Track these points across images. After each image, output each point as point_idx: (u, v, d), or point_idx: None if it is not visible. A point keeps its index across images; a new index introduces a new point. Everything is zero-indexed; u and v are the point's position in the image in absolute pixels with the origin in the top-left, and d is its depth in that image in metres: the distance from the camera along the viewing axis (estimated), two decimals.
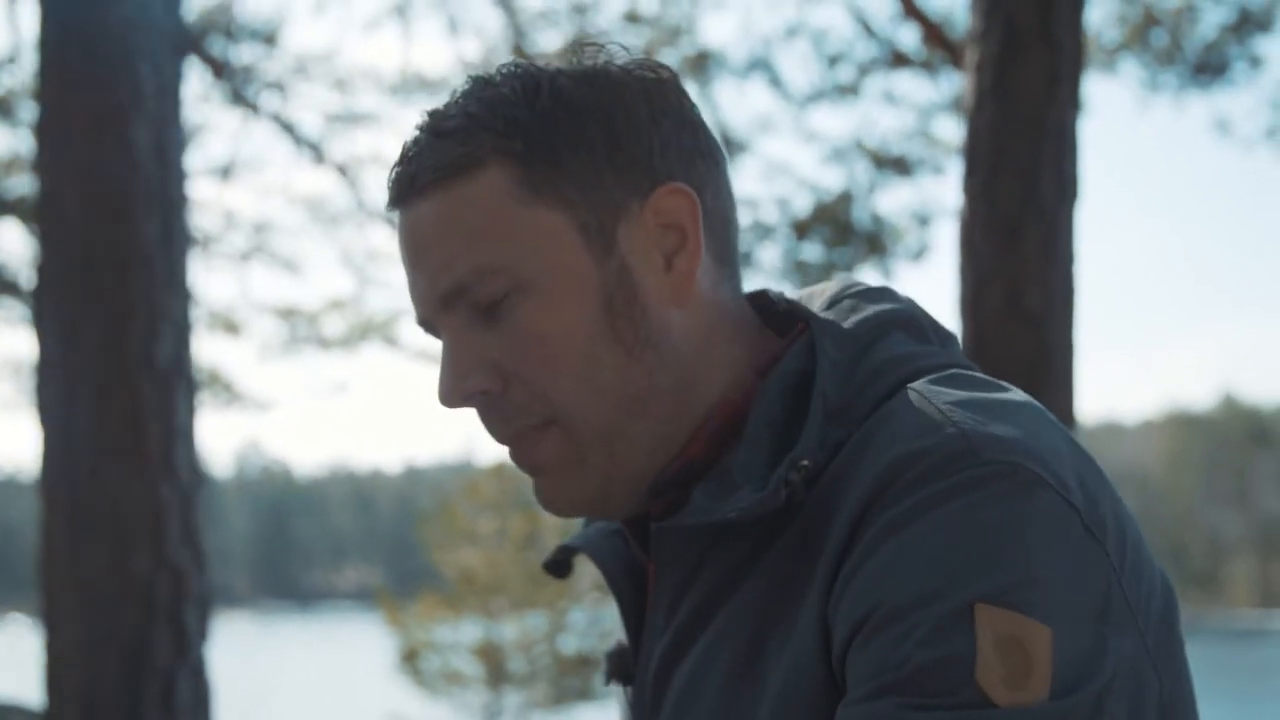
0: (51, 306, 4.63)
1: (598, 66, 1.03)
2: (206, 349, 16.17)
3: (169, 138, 4.71)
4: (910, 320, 1.04)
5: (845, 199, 11.02)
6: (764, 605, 0.96)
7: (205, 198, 12.22)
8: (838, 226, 10.96)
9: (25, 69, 9.54)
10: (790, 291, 1.12)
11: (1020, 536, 0.86)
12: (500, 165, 0.99)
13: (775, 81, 10.77)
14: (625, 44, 1.06)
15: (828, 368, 0.98)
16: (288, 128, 10.48)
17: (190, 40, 8.96)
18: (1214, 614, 59.07)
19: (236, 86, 10.11)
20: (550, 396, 1.00)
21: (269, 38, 10.35)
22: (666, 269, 1.01)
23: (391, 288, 14.69)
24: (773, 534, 0.96)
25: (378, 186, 15.78)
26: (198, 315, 4.40)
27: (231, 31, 10.14)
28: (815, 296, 1.09)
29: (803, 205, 11.07)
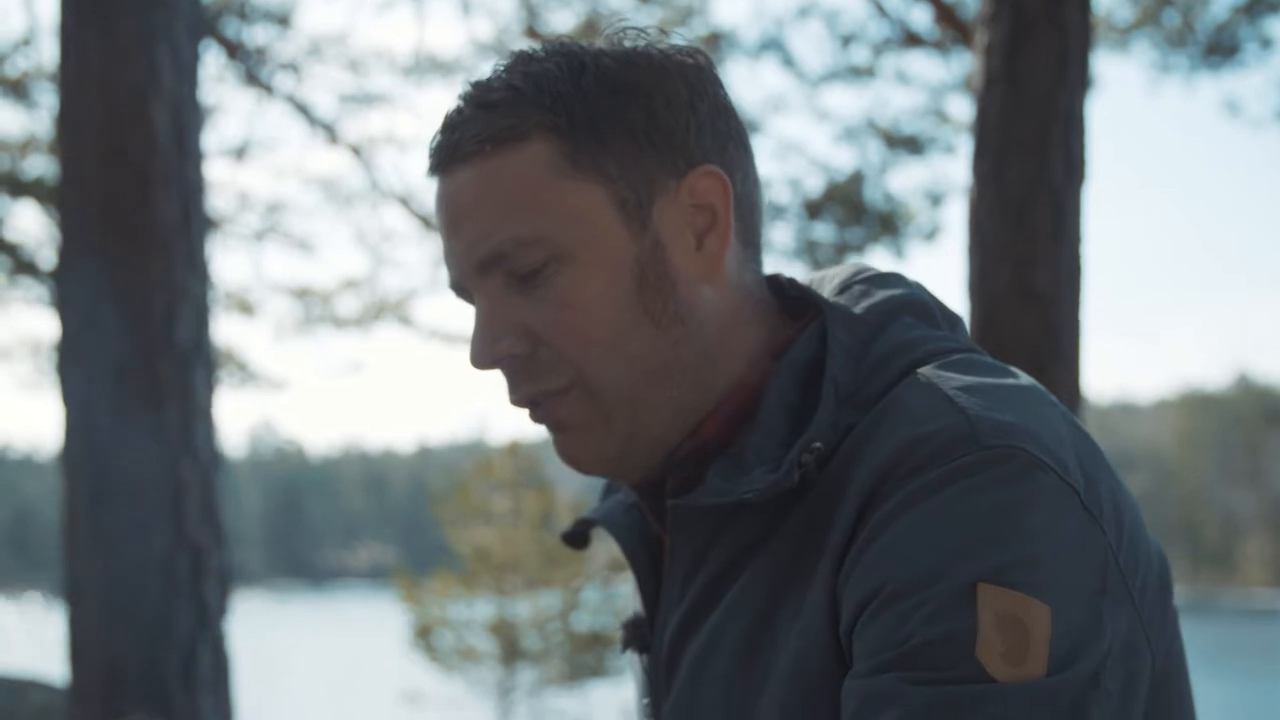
0: (72, 288, 4.66)
1: (639, 49, 1.06)
2: (221, 329, 16.24)
3: (187, 120, 4.73)
4: (919, 305, 1.08)
5: (857, 179, 11.01)
6: (775, 581, 0.99)
7: (220, 178, 12.29)
8: (850, 206, 10.96)
9: (42, 51, 9.58)
10: (801, 276, 1.16)
11: (1020, 518, 0.89)
12: (544, 139, 1.02)
13: (788, 61, 10.77)
14: (655, 26, 1.10)
15: (839, 354, 1.02)
16: (302, 108, 10.52)
17: (207, 22, 9.00)
18: (1228, 593, 58.85)
19: (251, 68, 10.15)
20: (579, 362, 1.03)
21: (283, 19, 10.38)
22: (697, 248, 1.05)
23: (405, 267, 14.75)
24: (784, 513, 1.00)
25: (391, 167, 15.80)
26: (214, 296, 4.46)
27: (246, 13, 10.16)
28: (826, 281, 1.13)
29: (815, 185, 11.08)
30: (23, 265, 10.53)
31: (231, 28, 10.03)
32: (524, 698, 22.73)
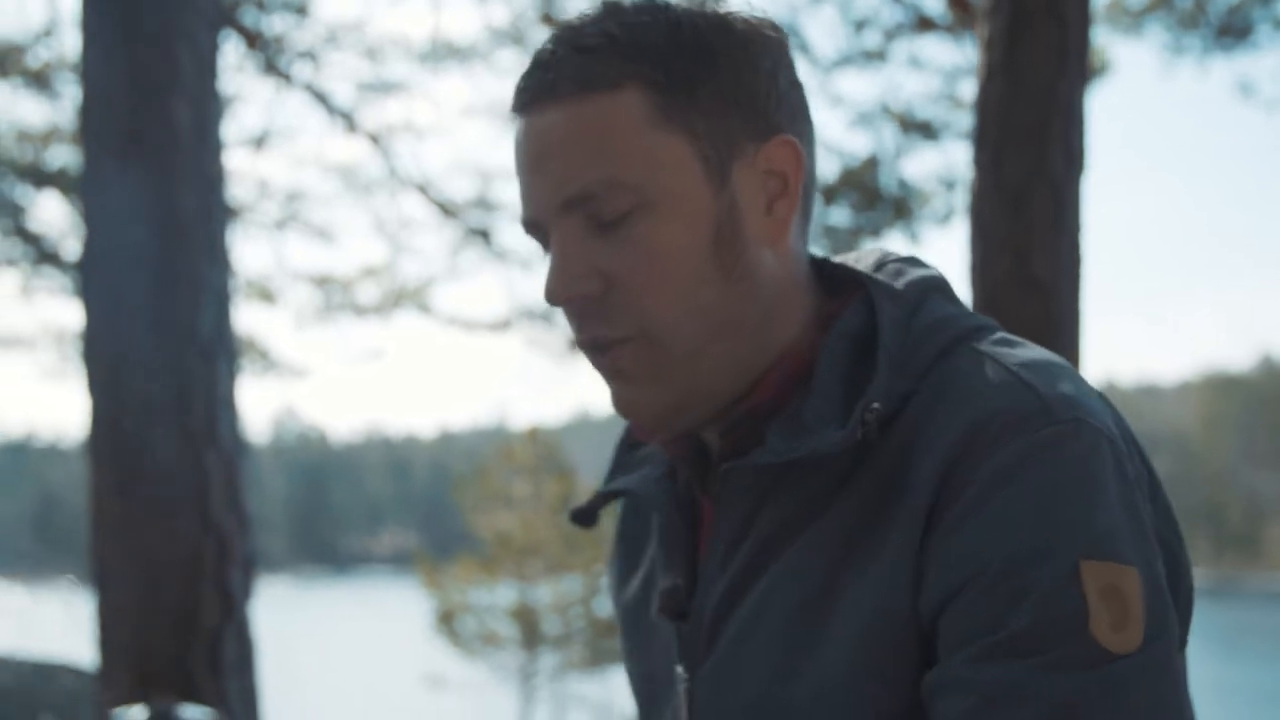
0: (97, 279, 4.71)
1: (729, 15, 1.09)
2: (243, 317, 16.34)
3: (208, 111, 4.77)
4: (945, 285, 1.13)
5: (872, 163, 11.01)
6: (836, 547, 1.02)
7: (239, 167, 12.35)
8: (865, 191, 10.97)
9: (64, 42, 9.66)
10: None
11: (1100, 488, 0.94)
12: (638, 89, 1.04)
13: (802, 47, 10.75)
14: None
15: (888, 324, 1.06)
16: (320, 97, 10.56)
17: (225, 12, 9.05)
18: (1253, 576, 58.57)
19: (269, 57, 10.20)
20: (650, 308, 1.05)
21: (300, 8, 10.40)
22: (767, 212, 1.08)
23: (424, 255, 14.81)
24: (843, 478, 1.03)
25: (409, 154, 15.86)
26: (235, 285, 4.50)
27: (264, 2, 10.21)
28: (859, 262, 1.16)
29: (830, 170, 11.07)
30: (46, 255, 10.63)
31: (250, 17, 10.08)
32: (545, 682, 22.86)
